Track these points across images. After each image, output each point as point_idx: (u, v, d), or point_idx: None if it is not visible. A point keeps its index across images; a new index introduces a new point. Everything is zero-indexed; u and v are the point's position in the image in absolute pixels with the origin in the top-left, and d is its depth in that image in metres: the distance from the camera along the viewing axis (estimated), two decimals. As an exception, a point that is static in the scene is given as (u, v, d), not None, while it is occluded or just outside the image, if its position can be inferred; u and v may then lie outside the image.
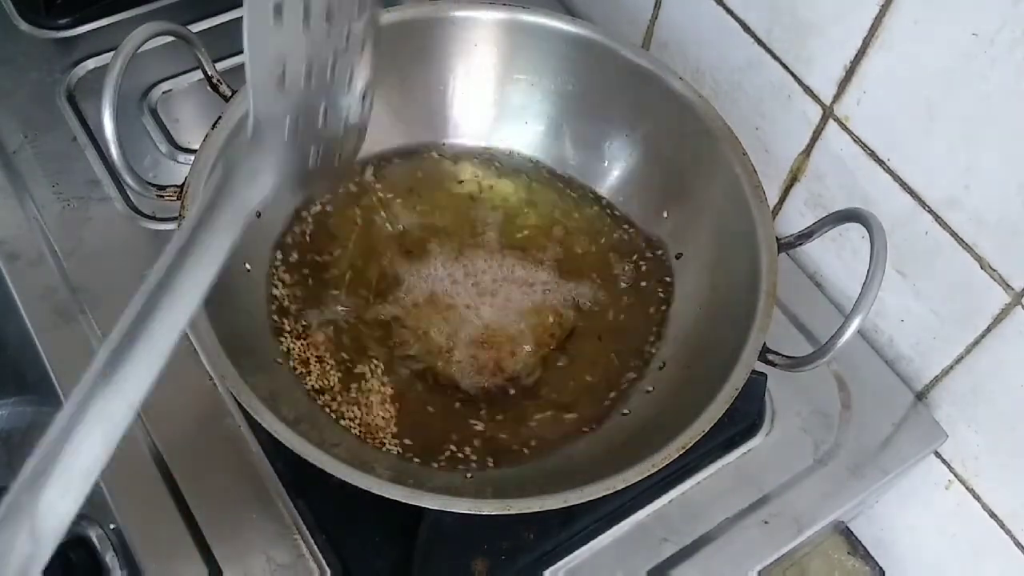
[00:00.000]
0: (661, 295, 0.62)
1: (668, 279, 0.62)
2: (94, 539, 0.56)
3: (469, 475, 0.54)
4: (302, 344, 0.57)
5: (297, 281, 0.60)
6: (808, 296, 0.68)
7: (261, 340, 0.57)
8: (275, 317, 0.58)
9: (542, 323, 0.61)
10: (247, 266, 0.57)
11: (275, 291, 0.59)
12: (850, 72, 0.60)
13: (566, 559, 0.56)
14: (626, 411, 0.58)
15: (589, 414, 0.57)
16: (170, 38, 0.56)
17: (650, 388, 0.58)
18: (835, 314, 0.67)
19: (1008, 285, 0.56)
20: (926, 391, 0.65)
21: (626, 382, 0.59)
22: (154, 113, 0.71)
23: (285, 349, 0.57)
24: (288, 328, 0.58)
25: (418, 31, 0.63)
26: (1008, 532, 0.63)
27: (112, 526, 0.55)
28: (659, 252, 0.63)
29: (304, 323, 0.58)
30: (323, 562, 0.54)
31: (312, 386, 0.56)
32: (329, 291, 0.60)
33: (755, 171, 0.58)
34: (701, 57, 0.71)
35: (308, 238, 0.61)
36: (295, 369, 0.56)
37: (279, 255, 0.60)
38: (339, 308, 0.59)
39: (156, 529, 0.54)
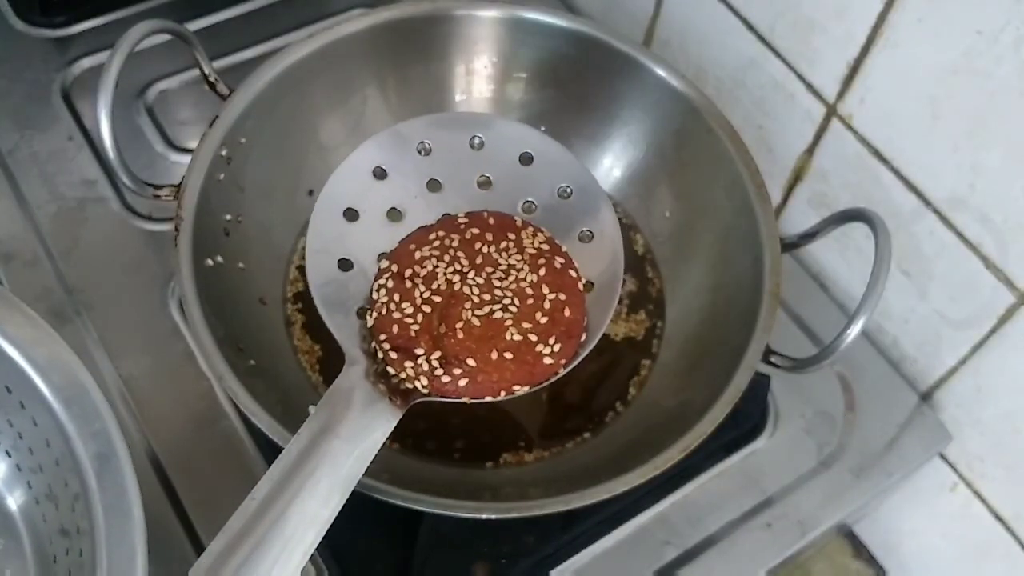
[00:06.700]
0: (663, 296, 0.61)
1: (670, 280, 0.62)
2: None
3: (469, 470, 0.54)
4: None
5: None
6: (812, 297, 0.68)
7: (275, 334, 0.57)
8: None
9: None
10: (240, 265, 0.57)
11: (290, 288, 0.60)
12: (853, 70, 0.60)
13: (568, 562, 0.56)
14: (628, 413, 0.57)
15: (591, 416, 0.57)
16: (167, 36, 0.55)
17: (652, 389, 0.58)
18: (839, 315, 0.67)
19: (1013, 285, 0.56)
20: (931, 392, 0.64)
21: (628, 383, 0.58)
22: (150, 112, 0.71)
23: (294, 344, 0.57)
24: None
25: (418, 29, 0.62)
26: (1013, 534, 0.63)
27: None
28: (661, 252, 0.63)
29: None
30: (322, 566, 0.54)
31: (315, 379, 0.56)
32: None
33: (758, 170, 0.57)
34: (703, 55, 0.71)
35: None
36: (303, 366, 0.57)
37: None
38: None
39: (153, 531, 0.53)
